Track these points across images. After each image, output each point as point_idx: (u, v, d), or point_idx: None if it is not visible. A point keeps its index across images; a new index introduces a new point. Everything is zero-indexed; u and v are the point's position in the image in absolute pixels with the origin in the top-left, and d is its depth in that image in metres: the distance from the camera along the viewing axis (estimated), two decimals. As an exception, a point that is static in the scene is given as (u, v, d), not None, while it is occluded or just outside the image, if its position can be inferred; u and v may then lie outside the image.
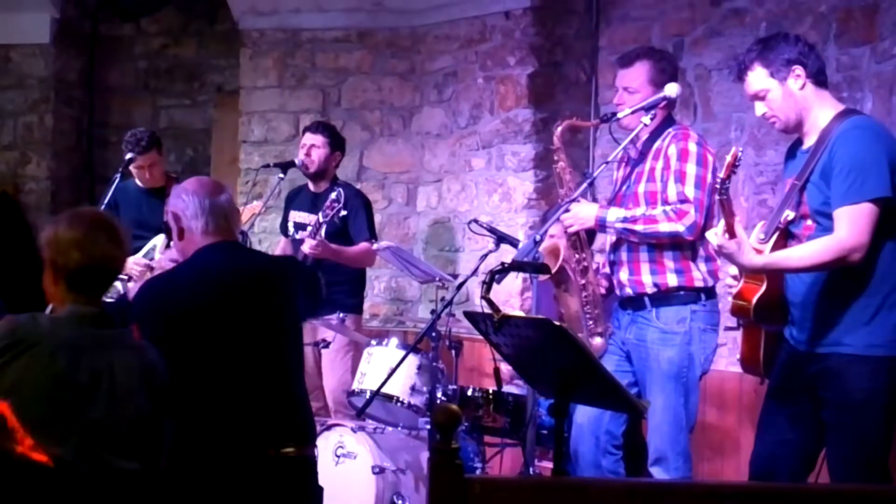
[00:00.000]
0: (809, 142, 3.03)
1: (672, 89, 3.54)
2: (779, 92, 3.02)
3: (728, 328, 3.38)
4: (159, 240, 4.80)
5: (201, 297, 2.91)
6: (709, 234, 2.98)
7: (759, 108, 3.09)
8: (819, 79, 3.03)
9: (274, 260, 3.13)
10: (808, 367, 3.00)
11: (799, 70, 3.00)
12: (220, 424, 2.88)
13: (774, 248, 2.98)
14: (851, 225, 2.84)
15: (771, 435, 3.12)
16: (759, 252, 2.95)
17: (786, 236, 3.03)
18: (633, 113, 3.57)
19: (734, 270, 3.06)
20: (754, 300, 2.98)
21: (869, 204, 2.84)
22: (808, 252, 2.91)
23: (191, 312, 2.89)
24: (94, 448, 2.48)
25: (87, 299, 2.58)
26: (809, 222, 2.99)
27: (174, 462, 2.77)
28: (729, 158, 2.81)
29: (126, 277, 4.50)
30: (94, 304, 2.60)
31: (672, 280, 3.54)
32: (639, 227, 3.53)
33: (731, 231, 2.86)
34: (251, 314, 2.94)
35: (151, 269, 4.51)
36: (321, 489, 3.07)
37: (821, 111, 3.01)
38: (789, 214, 3.01)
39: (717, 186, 2.83)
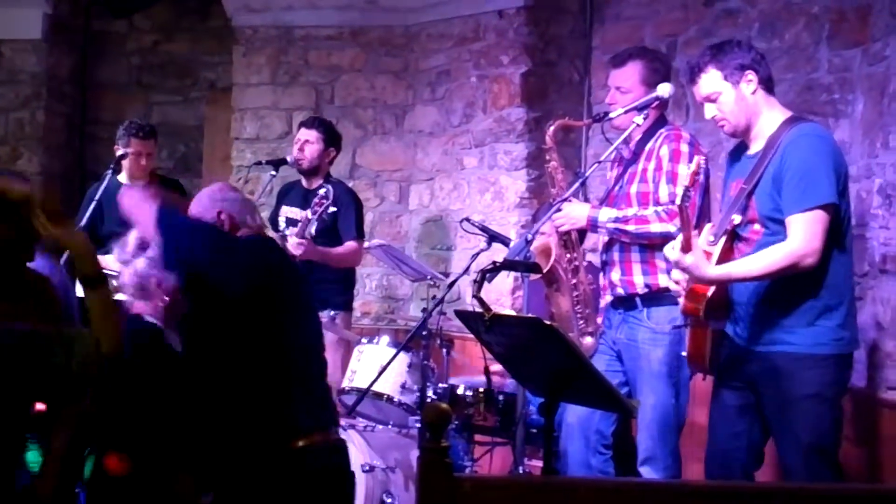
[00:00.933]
0: (756, 147, 3.12)
1: (664, 89, 3.55)
2: (731, 95, 3.10)
3: (675, 326, 3.43)
4: None
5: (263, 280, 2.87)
6: (666, 249, 3.06)
7: (710, 111, 3.17)
8: (768, 85, 3.13)
9: None
10: (751, 364, 3.09)
11: (751, 75, 3.09)
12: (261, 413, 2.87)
13: (723, 250, 3.06)
14: (805, 231, 2.93)
15: (722, 429, 3.21)
16: (708, 254, 3.02)
17: (733, 238, 3.11)
18: (625, 113, 3.58)
19: (678, 275, 3.13)
20: (705, 300, 3.04)
21: (820, 210, 2.93)
22: (761, 262, 2.99)
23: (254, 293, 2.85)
24: None
25: None
26: (757, 226, 3.07)
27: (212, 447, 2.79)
28: (693, 166, 2.91)
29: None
30: None
31: (663, 280, 3.54)
32: (630, 228, 3.53)
33: (688, 245, 2.93)
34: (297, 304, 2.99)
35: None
36: (351, 475, 3.05)
37: (769, 117, 3.10)
38: (736, 218, 3.08)
39: (681, 193, 2.89)
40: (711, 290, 3.04)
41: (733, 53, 3.11)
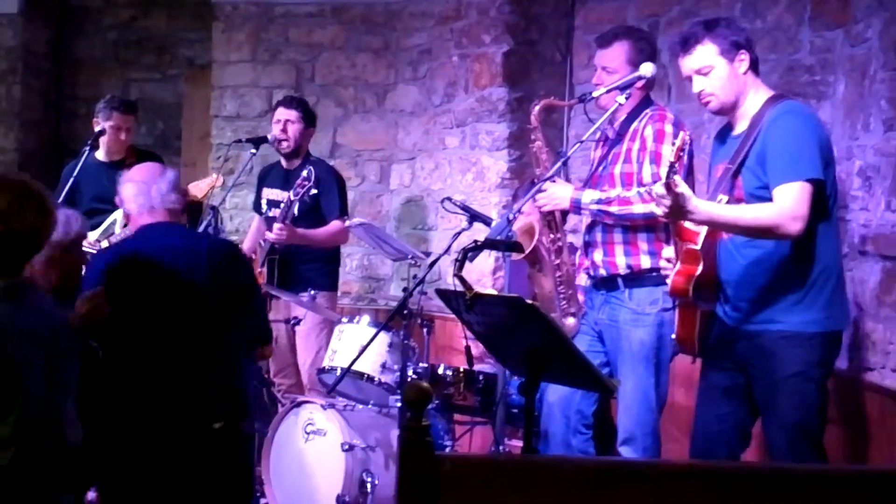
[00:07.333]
0: (741, 127, 3.11)
1: (647, 69, 3.54)
2: (724, 71, 3.09)
3: (664, 309, 3.43)
4: (119, 214, 4.68)
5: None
6: (655, 187, 2.94)
7: (698, 84, 3.14)
8: (755, 67, 3.13)
9: None
10: (740, 344, 3.09)
11: (744, 55, 3.09)
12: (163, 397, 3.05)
13: (709, 231, 3.02)
14: (792, 197, 2.93)
15: (708, 410, 3.21)
16: (695, 234, 3.00)
17: None
18: (608, 92, 3.57)
19: (669, 253, 3.13)
20: (693, 280, 3.03)
21: (805, 182, 2.93)
22: (748, 214, 2.98)
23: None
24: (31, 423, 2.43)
25: (9, 271, 2.50)
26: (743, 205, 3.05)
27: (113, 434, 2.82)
28: (678, 143, 2.85)
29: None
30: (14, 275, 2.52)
31: (645, 262, 3.55)
32: (613, 209, 3.53)
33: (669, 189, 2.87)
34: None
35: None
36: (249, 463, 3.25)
37: (754, 97, 3.10)
38: (723, 199, 3.06)
39: (665, 171, 2.85)
40: (699, 269, 3.02)
41: (728, 30, 3.10)
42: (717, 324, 3.16)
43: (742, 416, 3.16)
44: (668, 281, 3.11)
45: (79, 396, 2.68)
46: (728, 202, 3.05)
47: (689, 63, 3.14)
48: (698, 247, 3.03)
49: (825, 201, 3.01)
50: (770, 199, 2.97)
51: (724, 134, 3.22)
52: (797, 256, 3.01)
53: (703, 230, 3.02)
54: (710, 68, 3.09)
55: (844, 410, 3.53)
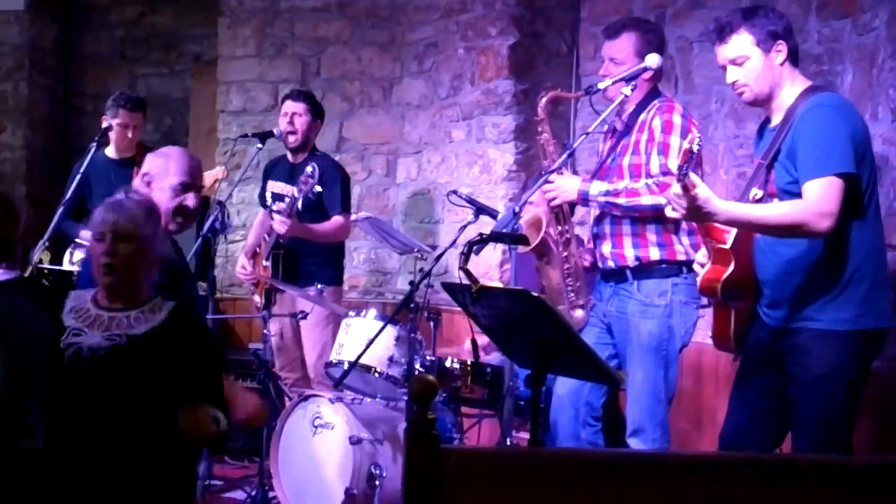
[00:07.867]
0: (776, 120, 3.03)
1: (653, 60, 3.52)
2: (760, 62, 2.99)
3: (700, 305, 3.40)
4: None
5: None
6: (673, 187, 2.83)
7: (732, 75, 3.04)
8: (794, 58, 3.03)
9: None
10: (778, 343, 3.01)
11: (782, 45, 2.99)
12: None
13: (740, 231, 2.95)
14: (820, 193, 2.83)
15: (742, 407, 3.14)
16: (725, 232, 2.93)
17: None
18: (614, 84, 3.55)
19: (702, 257, 3.06)
20: (722, 280, 2.97)
21: (835, 177, 2.83)
22: (773, 211, 2.90)
23: None
24: None
25: None
26: (776, 202, 2.98)
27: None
28: (686, 145, 2.74)
29: None
30: None
31: (654, 253, 3.54)
32: (621, 201, 3.51)
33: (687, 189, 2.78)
34: None
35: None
36: None
37: (790, 88, 3.01)
38: (757, 193, 2.99)
39: (676, 172, 2.75)
40: (728, 271, 2.95)
41: (766, 19, 2.99)
42: (756, 323, 3.09)
43: (778, 417, 3.06)
44: (698, 280, 3.04)
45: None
46: (762, 197, 2.97)
47: (723, 52, 3.03)
48: (728, 246, 2.95)
49: (859, 197, 2.90)
50: (799, 193, 2.87)
51: (762, 128, 3.14)
52: (830, 254, 2.90)
53: (734, 229, 2.95)
54: (744, 58, 2.99)
55: (873, 404, 3.48)
